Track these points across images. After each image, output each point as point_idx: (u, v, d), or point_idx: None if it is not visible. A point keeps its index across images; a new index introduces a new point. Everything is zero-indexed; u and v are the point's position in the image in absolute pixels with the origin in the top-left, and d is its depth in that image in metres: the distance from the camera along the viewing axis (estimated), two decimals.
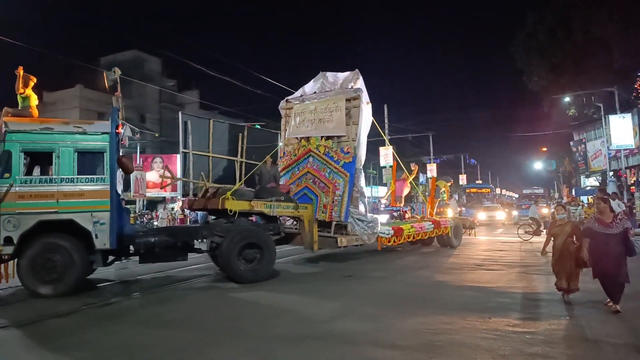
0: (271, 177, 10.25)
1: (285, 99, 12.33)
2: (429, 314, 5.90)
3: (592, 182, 35.35)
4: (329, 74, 11.69)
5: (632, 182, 27.45)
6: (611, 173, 27.33)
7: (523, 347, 4.57)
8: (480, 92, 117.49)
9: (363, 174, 11.12)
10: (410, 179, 15.89)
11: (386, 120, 30.35)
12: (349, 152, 10.56)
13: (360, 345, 4.77)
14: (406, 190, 15.83)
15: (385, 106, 30.14)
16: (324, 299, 7.05)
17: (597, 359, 4.30)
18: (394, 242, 11.28)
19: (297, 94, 12.21)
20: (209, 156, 10.18)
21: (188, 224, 19.45)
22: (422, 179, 47.91)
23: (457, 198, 37.75)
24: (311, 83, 11.97)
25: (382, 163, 26.87)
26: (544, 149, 46.32)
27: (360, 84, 10.99)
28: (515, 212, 29.50)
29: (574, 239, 6.37)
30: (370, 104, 11.22)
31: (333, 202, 10.43)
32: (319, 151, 11.01)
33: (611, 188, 23.29)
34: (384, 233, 10.90)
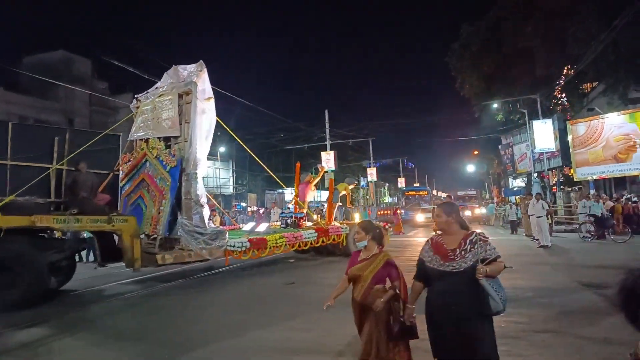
0: (87, 186, 8.95)
1: (135, 97, 10.77)
2: None
3: (519, 183, 37.78)
4: (180, 67, 10.03)
5: (554, 182, 29.65)
6: (535, 174, 29.29)
7: None
8: (418, 99, 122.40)
9: (200, 180, 9.36)
10: (315, 181, 14.08)
11: (327, 126, 30.74)
12: (174, 154, 9.15)
13: (301, 354, 4.70)
14: (310, 194, 14.03)
15: (327, 112, 30.58)
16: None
17: (526, 355, 4.50)
18: (253, 255, 9.62)
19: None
20: (6, 164, 8.62)
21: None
22: (363, 182, 48.98)
23: (396, 200, 38.85)
24: (162, 78, 10.39)
25: (325, 168, 27.27)
26: (476, 152, 48.91)
27: (203, 77, 9.57)
28: None
29: (386, 284, 3.56)
30: (212, 100, 9.77)
31: (159, 212, 9.06)
32: (153, 154, 9.56)
33: (536, 189, 24.97)
34: (233, 246, 9.13)
